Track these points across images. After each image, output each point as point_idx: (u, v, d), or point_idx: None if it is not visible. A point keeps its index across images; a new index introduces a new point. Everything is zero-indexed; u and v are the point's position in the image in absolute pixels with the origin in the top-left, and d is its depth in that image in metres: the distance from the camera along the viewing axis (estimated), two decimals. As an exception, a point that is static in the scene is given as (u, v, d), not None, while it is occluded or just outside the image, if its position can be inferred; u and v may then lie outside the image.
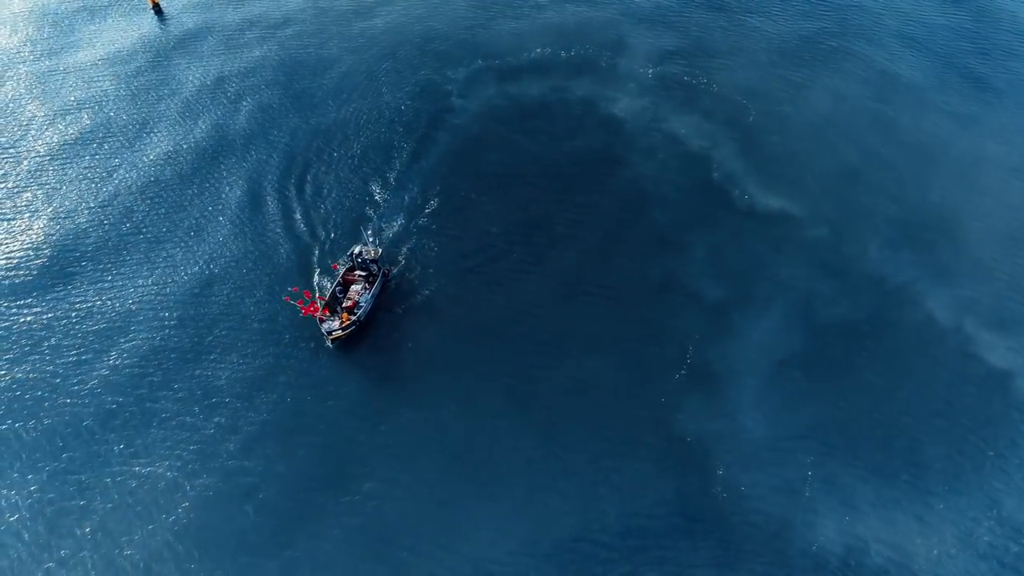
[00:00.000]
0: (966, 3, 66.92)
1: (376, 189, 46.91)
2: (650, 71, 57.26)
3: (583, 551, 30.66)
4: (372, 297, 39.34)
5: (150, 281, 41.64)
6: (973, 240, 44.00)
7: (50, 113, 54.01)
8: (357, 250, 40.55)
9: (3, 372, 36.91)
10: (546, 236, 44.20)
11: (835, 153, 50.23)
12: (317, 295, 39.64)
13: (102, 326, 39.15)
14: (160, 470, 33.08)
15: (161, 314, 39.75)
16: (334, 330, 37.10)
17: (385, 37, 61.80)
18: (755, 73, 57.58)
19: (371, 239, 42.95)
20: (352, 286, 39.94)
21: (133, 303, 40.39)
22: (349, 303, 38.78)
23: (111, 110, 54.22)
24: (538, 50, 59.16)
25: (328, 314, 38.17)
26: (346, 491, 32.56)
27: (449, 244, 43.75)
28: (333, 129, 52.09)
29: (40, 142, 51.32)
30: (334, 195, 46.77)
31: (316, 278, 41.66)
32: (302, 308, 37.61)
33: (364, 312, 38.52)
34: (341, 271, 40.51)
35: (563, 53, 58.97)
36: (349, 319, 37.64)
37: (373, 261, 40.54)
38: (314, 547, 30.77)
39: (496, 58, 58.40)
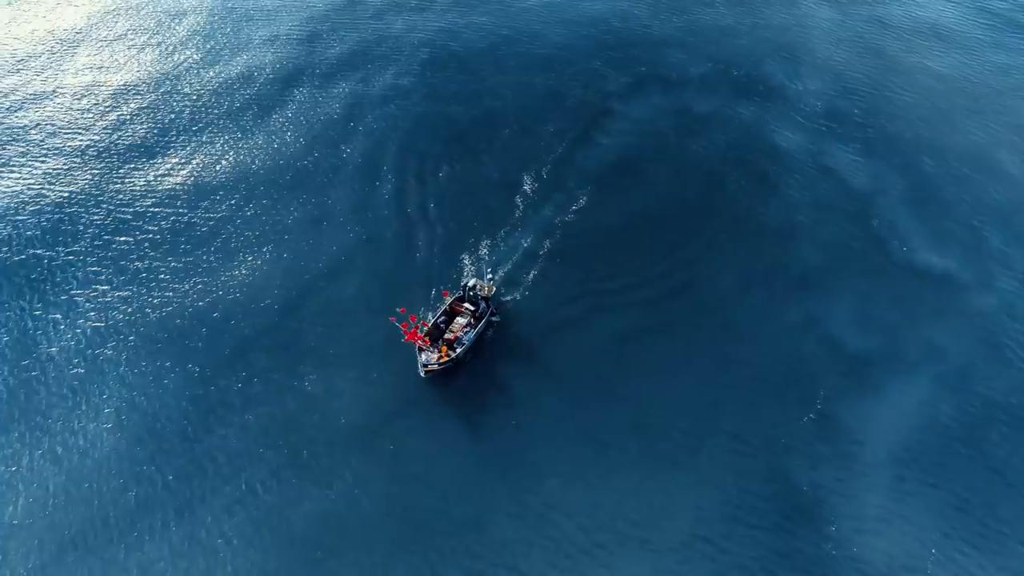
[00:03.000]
0: None
1: (527, 179, 47.92)
2: (819, 103, 54.90)
3: None
4: (475, 335, 37.84)
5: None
6: None
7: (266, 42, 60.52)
8: (471, 283, 38.87)
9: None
10: (690, 258, 43.58)
11: (1018, 218, 46.18)
12: (422, 321, 38.31)
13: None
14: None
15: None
16: (431, 363, 36.00)
17: (559, 30, 63.27)
18: (940, 122, 53.74)
19: (488, 274, 41.18)
20: (457, 318, 38.65)
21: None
22: (451, 336, 37.58)
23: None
24: (709, 64, 58.39)
25: (429, 344, 36.97)
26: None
27: (579, 270, 42.51)
28: (482, 117, 53.65)
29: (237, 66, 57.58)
30: (469, 191, 47.47)
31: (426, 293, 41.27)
32: (405, 333, 36.30)
33: (464, 351, 37.07)
34: (450, 300, 39.36)
35: (733, 71, 57.82)
36: (448, 355, 36.50)
37: (484, 298, 39.12)
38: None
39: (663, 66, 58.18)
